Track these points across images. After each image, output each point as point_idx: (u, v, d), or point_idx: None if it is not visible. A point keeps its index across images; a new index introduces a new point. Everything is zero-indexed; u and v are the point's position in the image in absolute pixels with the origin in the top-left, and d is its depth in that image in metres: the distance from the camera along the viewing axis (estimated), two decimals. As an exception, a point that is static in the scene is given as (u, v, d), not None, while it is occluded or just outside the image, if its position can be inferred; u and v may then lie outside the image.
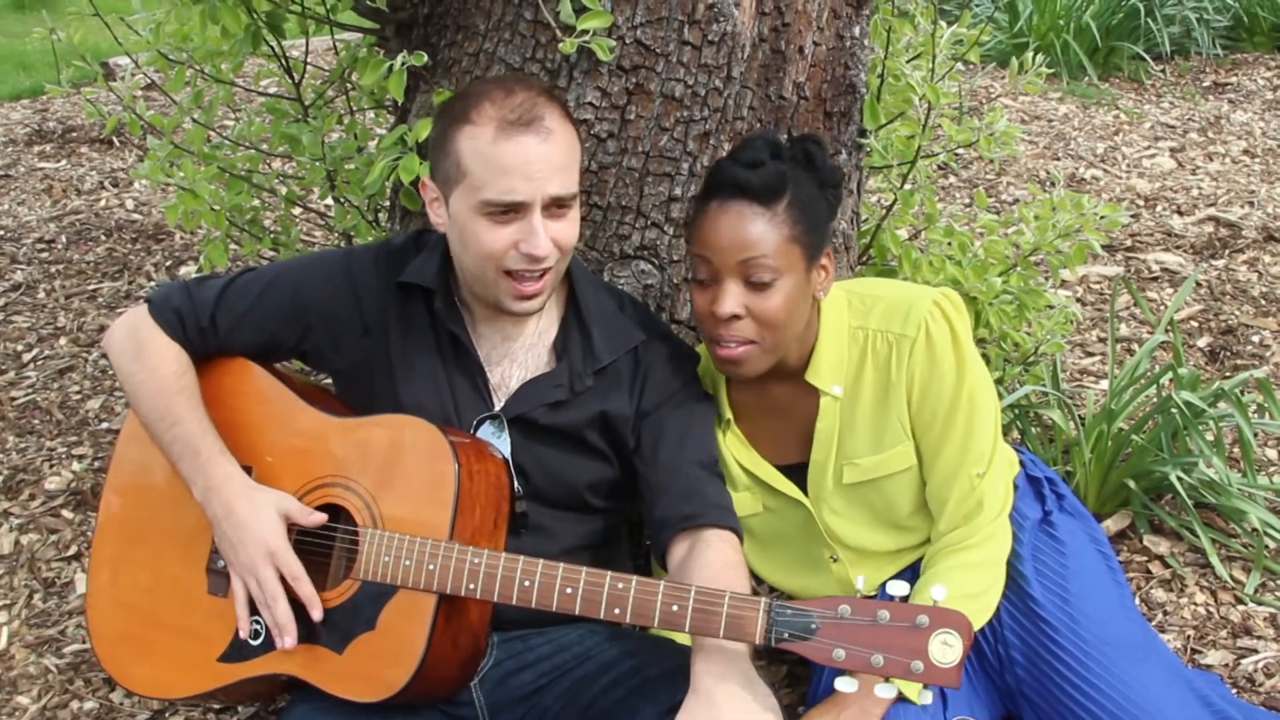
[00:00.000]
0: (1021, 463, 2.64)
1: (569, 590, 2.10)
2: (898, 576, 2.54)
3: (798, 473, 2.54)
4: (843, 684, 1.96)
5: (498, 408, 2.38)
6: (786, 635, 1.97)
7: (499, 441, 2.36)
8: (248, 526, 2.25)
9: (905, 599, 1.96)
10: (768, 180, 2.31)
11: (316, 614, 2.22)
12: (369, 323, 2.41)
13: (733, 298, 2.31)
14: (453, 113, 2.25)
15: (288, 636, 2.22)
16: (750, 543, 2.58)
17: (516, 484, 2.34)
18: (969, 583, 2.35)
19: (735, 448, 2.54)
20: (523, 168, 2.18)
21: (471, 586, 2.14)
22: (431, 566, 2.16)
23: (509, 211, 2.20)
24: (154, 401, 2.39)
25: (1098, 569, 2.54)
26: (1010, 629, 2.45)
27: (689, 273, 2.56)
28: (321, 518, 2.27)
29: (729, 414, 2.55)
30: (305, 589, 2.23)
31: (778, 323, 2.33)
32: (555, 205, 2.23)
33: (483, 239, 2.23)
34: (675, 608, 2.04)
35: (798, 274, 2.34)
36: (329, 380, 2.57)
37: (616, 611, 2.07)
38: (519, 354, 2.41)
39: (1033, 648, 2.41)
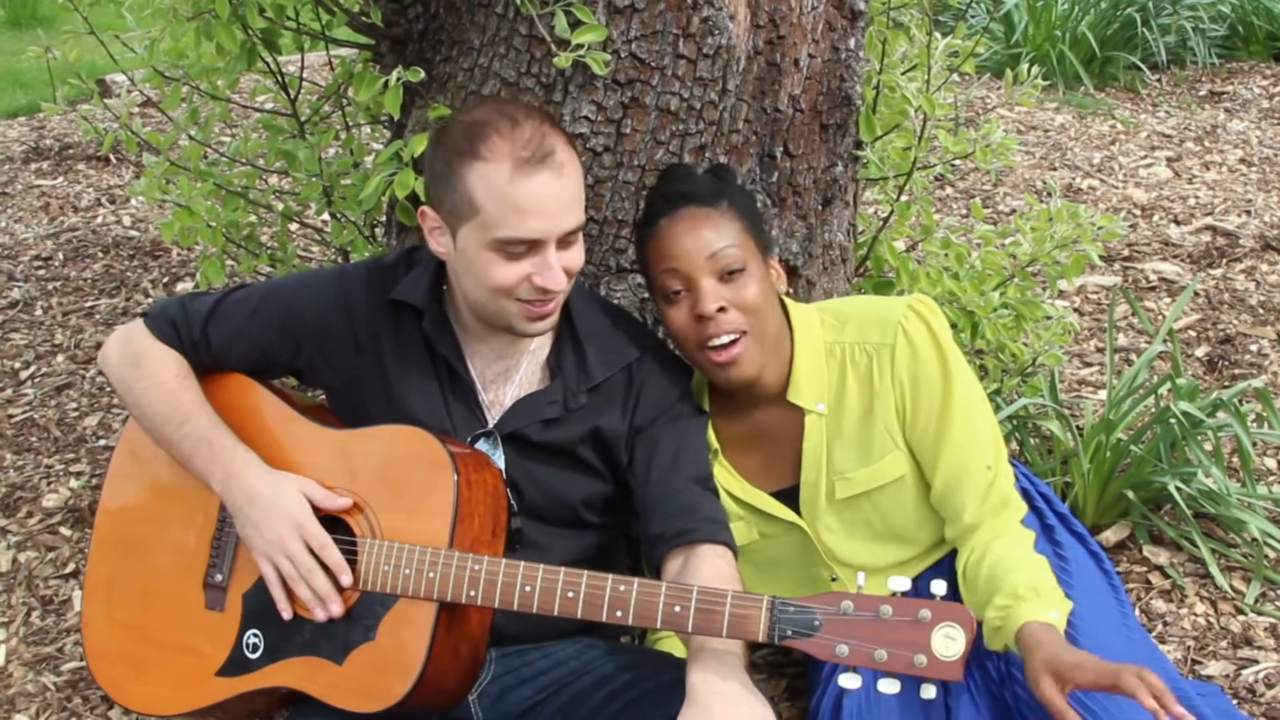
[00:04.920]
0: (1017, 475, 2.64)
1: (570, 594, 2.10)
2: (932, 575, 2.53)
3: (790, 497, 2.54)
4: (847, 680, 1.96)
5: (491, 424, 2.38)
6: (790, 632, 1.98)
7: (493, 458, 2.36)
8: (273, 506, 2.25)
9: (907, 594, 1.96)
10: (708, 183, 2.43)
11: (346, 579, 2.21)
12: (361, 340, 2.41)
13: (713, 294, 2.34)
14: (457, 146, 2.21)
15: (333, 604, 2.22)
16: (749, 571, 2.58)
17: (511, 499, 2.33)
18: (1037, 574, 2.30)
19: (725, 479, 2.54)
20: (540, 207, 2.17)
21: (472, 593, 2.14)
22: (431, 575, 2.15)
23: (523, 247, 2.20)
24: (159, 406, 2.39)
25: (1100, 587, 2.54)
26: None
27: (654, 306, 2.57)
28: (345, 503, 2.27)
29: (716, 444, 2.55)
30: (333, 556, 2.22)
31: (758, 307, 2.38)
32: (568, 236, 2.23)
33: (495, 274, 2.22)
34: (678, 608, 2.04)
35: (759, 264, 2.42)
36: (324, 397, 2.56)
37: (619, 614, 2.07)
38: (513, 371, 2.41)
39: None
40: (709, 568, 2.23)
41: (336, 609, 2.22)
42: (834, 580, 2.56)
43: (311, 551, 2.22)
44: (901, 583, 1.96)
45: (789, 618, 1.98)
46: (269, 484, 2.28)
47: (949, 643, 1.90)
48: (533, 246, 2.20)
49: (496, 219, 2.18)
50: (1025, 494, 2.62)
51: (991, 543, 2.39)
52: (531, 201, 2.17)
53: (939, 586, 1.95)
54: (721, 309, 2.34)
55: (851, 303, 2.60)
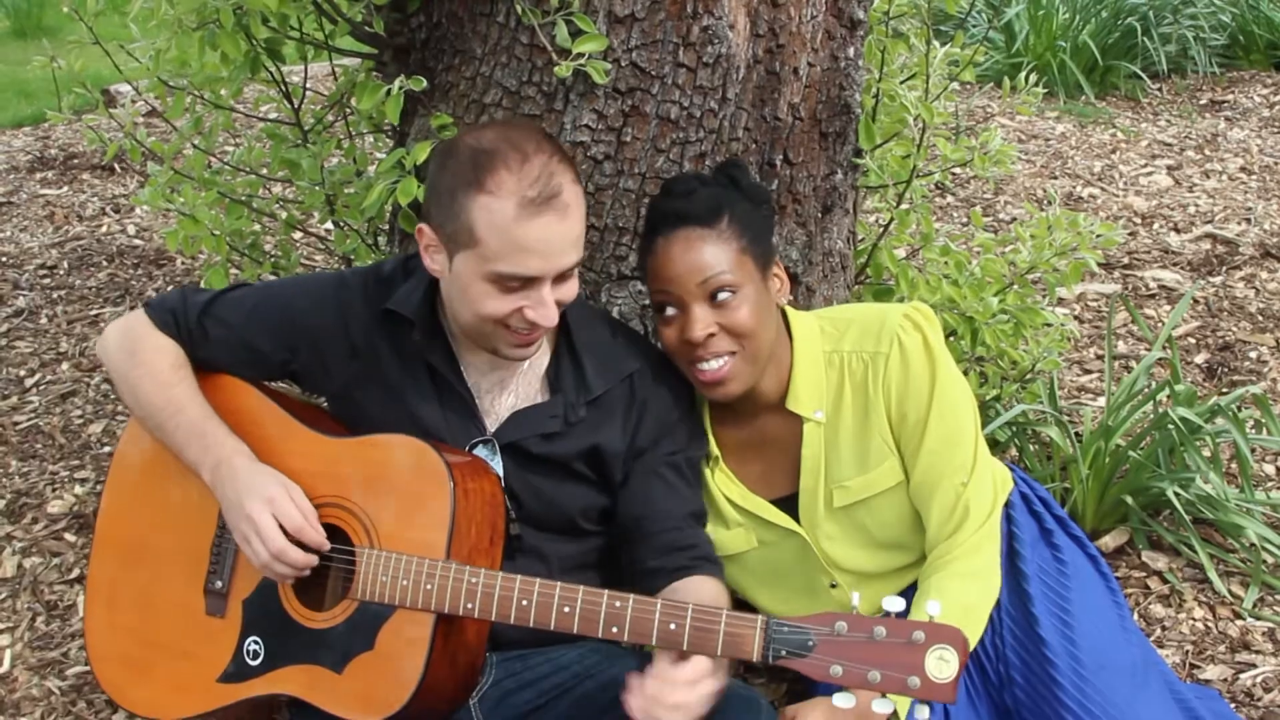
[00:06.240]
0: (1015, 480, 2.65)
1: (566, 609, 2.11)
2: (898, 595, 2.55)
3: (789, 505, 2.56)
4: (841, 699, 1.97)
5: (490, 432, 2.39)
6: (784, 652, 1.99)
7: (491, 465, 2.37)
8: (251, 485, 2.27)
9: (902, 615, 1.97)
10: (705, 202, 2.40)
11: (319, 541, 2.25)
12: (357, 346, 2.42)
13: (702, 320, 2.36)
14: (463, 174, 2.19)
15: (307, 568, 2.27)
16: (748, 578, 2.61)
17: (509, 508, 2.35)
18: (963, 594, 2.35)
19: (725, 485, 2.56)
20: (541, 248, 2.17)
21: (469, 606, 2.15)
22: (429, 586, 2.17)
23: (519, 282, 2.20)
24: (153, 395, 2.41)
25: (1098, 590, 2.55)
26: (1012, 648, 2.45)
27: (652, 314, 2.59)
28: (312, 511, 2.29)
29: (716, 451, 2.57)
30: (311, 536, 2.25)
31: (750, 330, 2.38)
32: (564, 272, 2.24)
33: (486, 304, 2.22)
34: (673, 625, 2.05)
35: (755, 283, 2.41)
36: (325, 401, 2.58)
37: (614, 630, 2.09)
38: (508, 380, 2.42)
39: (1032, 669, 2.42)
40: (695, 586, 2.28)
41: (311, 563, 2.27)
42: (834, 587, 2.57)
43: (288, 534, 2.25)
44: (896, 604, 1.97)
45: (783, 638, 1.99)
46: (253, 469, 2.30)
47: (942, 664, 1.91)
48: (528, 282, 2.20)
49: (496, 254, 2.17)
50: (1024, 498, 2.63)
51: (927, 569, 2.43)
52: (534, 242, 2.16)
53: (933, 608, 1.97)
54: (711, 334, 2.36)
55: (852, 310, 2.62)
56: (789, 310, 2.55)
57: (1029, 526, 2.58)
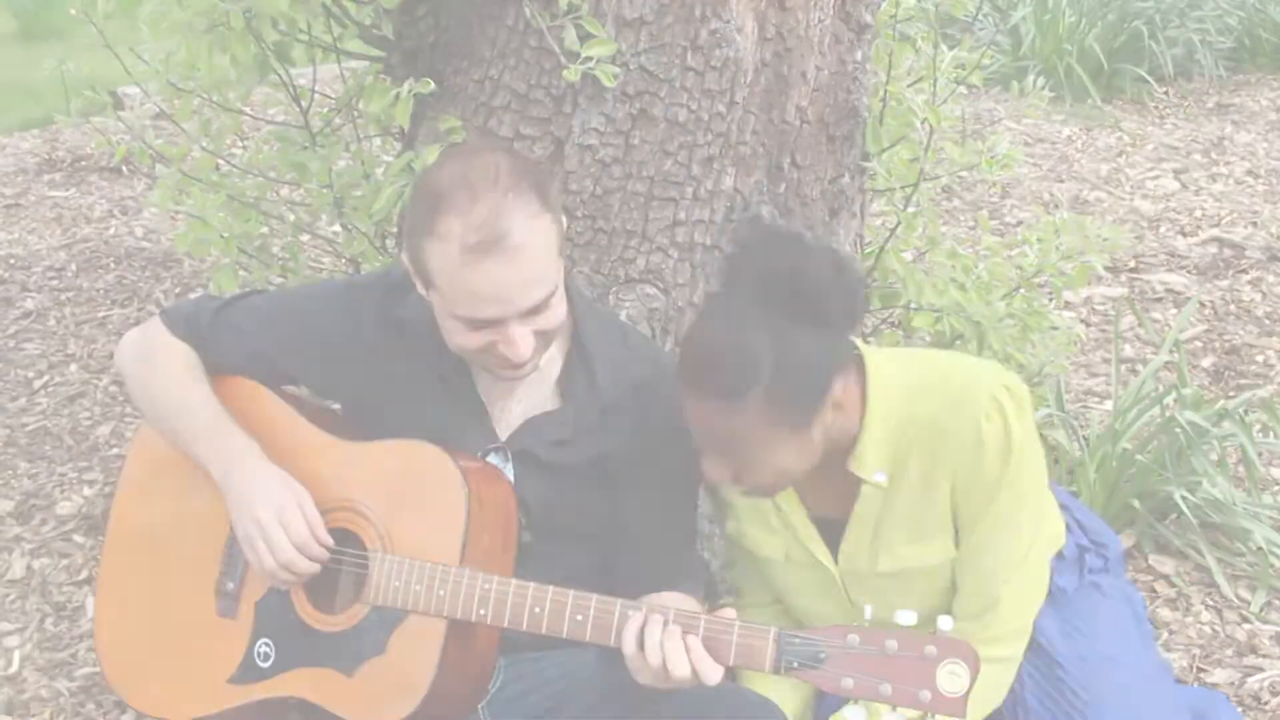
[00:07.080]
0: (1070, 527, 2.54)
1: (579, 617, 2.11)
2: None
3: (833, 529, 2.41)
4: (851, 712, 1.97)
5: (502, 440, 2.38)
6: (796, 664, 1.99)
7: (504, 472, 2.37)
8: (259, 488, 2.26)
9: (913, 629, 1.97)
10: (731, 375, 2.09)
11: (322, 555, 2.25)
12: (368, 352, 2.41)
13: (715, 474, 2.23)
14: (420, 214, 2.15)
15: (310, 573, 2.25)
16: (775, 581, 2.58)
17: (520, 515, 2.34)
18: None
19: (781, 495, 2.40)
20: (491, 294, 2.11)
21: (482, 612, 2.15)
22: (442, 592, 2.17)
23: (481, 323, 2.16)
24: (166, 396, 2.42)
25: (1128, 629, 2.51)
26: (1032, 692, 2.42)
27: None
28: (319, 522, 2.27)
29: None
30: (316, 551, 2.24)
31: (781, 485, 2.26)
32: (532, 310, 2.17)
33: (460, 340, 2.20)
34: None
35: (790, 446, 2.17)
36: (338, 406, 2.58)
37: None
38: (518, 388, 2.38)
39: (1057, 702, 2.40)
40: (667, 601, 2.22)
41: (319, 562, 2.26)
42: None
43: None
44: (908, 617, 1.97)
45: (795, 649, 1.98)
46: (266, 473, 2.29)
47: (953, 679, 1.91)
48: (491, 321, 2.15)
49: (451, 298, 2.14)
50: (1079, 549, 2.54)
51: None
52: (481, 288, 2.11)
53: (945, 623, 1.96)
54: (726, 482, 2.25)
55: (940, 365, 2.40)
56: (871, 362, 2.32)
57: (1068, 584, 2.49)
